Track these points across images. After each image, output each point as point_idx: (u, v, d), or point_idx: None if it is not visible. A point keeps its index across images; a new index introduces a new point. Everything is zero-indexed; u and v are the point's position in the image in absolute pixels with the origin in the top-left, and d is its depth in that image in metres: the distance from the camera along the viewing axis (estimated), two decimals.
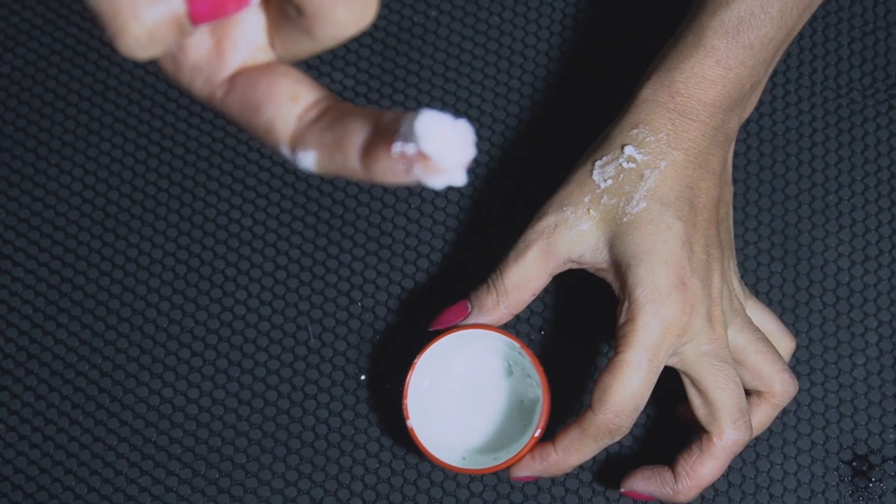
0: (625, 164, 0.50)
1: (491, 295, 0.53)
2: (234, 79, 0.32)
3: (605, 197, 0.50)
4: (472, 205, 0.64)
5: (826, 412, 0.59)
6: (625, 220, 0.49)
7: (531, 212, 0.64)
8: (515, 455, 0.53)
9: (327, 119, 0.31)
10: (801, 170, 0.64)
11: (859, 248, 0.62)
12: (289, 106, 0.31)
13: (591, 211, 0.50)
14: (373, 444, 0.59)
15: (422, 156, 0.28)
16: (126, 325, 0.62)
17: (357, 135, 0.30)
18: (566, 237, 0.51)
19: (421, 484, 0.58)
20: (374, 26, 0.69)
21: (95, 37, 0.69)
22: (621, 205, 0.49)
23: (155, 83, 0.68)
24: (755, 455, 0.58)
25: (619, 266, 0.49)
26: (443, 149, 0.27)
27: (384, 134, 0.29)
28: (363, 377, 0.60)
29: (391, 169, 0.29)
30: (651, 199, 0.49)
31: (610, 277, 0.51)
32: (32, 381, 0.61)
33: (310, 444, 0.59)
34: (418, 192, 0.64)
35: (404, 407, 0.53)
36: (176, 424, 0.60)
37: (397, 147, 0.28)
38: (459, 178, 0.28)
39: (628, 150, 0.50)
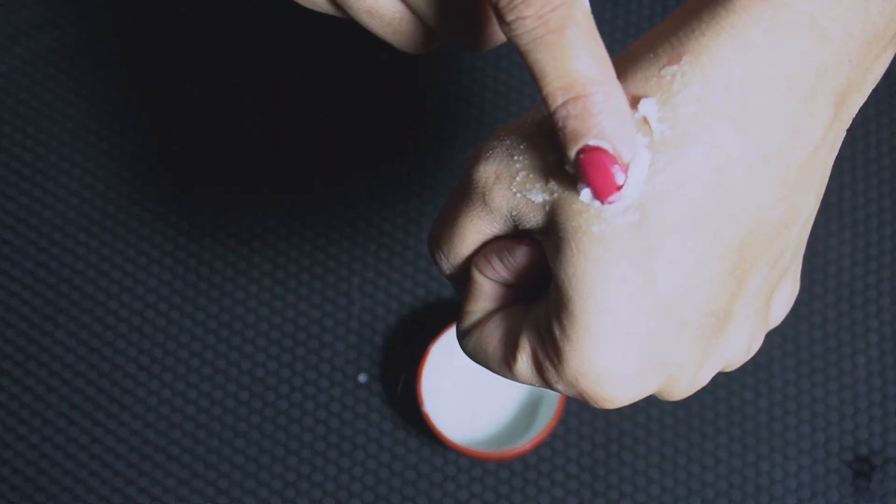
0: None
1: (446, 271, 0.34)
2: None
3: None
4: None
5: (827, 412, 0.58)
6: (594, 229, 0.28)
7: None
8: (528, 443, 0.53)
9: None
10: None
11: (860, 248, 0.62)
12: None
13: (550, 181, 0.29)
14: (372, 444, 0.59)
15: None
16: (125, 325, 0.62)
17: None
18: (510, 202, 0.30)
19: (420, 485, 0.58)
20: None
21: (95, 37, 0.69)
22: (597, 203, 0.28)
23: (154, 83, 0.68)
24: (756, 456, 0.58)
25: (557, 300, 0.29)
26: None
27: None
28: (361, 377, 0.60)
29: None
30: (645, 214, 0.28)
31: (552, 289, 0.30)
32: (31, 382, 0.61)
33: (309, 445, 0.59)
34: (418, 193, 0.64)
35: (419, 393, 0.54)
36: (174, 425, 0.60)
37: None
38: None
39: (645, 106, 0.28)
